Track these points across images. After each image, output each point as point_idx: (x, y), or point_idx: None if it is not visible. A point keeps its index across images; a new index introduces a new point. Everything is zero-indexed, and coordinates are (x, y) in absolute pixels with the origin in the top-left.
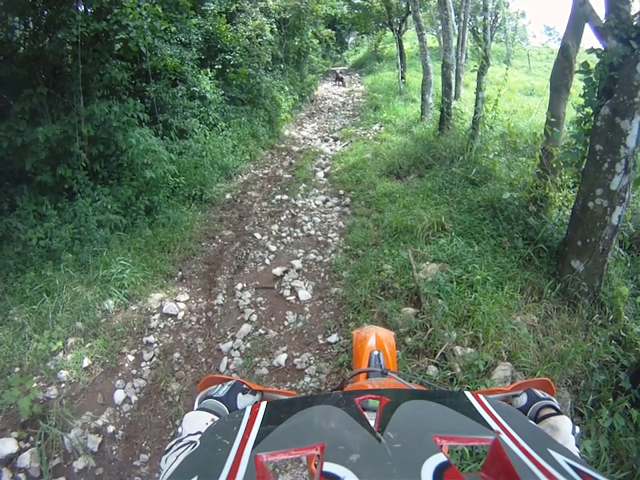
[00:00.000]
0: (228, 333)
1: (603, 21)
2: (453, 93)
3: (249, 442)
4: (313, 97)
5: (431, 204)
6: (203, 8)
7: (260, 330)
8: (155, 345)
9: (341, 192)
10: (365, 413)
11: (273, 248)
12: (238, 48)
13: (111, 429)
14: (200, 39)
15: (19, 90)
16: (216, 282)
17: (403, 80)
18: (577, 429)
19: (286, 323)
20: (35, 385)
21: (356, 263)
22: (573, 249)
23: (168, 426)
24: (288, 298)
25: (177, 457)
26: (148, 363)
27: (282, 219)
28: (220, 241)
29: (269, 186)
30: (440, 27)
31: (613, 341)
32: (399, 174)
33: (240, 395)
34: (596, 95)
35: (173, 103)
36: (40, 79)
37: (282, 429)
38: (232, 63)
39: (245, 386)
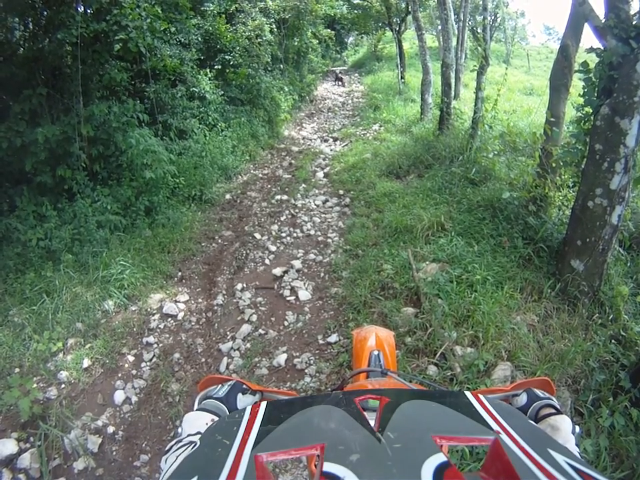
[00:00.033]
0: (228, 333)
1: (603, 21)
2: (453, 93)
3: (249, 442)
4: (313, 97)
5: (431, 204)
6: (202, 8)
7: (260, 330)
8: (155, 345)
9: (341, 192)
10: (365, 413)
11: (273, 248)
12: (237, 48)
13: (111, 429)
14: (199, 39)
15: (19, 91)
16: (216, 282)
17: (403, 80)
18: (577, 429)
19: (286, 323)
20: (35, 385)
21: (356, 263)
22: (573, 249)
23: (168, 426)
24: (288, 298)
25: (177, 458)
26: (148, 363)
27: (282, 219)
28: (220, 241)
29: (269, 186)
30: (439, 27)
31: (612, 340)
32: (398, 174)
33: (240, 395)
34: (595, 94)
35: (173, 103)
36: (39, 79)
37: (282, 429)
38: (231, 63)
39: (244, 386)
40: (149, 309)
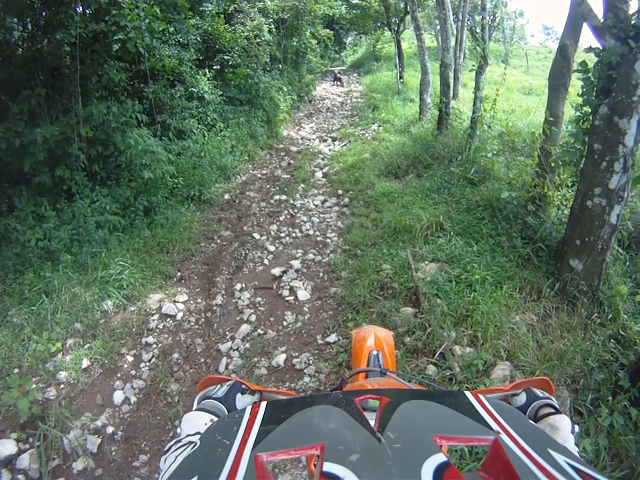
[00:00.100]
0: (227, 333)
1: (601, 20)
2: (451, 93)
3: (249, 442)
4: (311, 97)
5: (430, 204)
6: (201, 9)
7: (259, 330)
8: (154, 345)
9: (340, 192)
10: (364, 413)
11: (272, 248)
12: (236, 48)
13: (110, 429)
14: (198, 39)
15: (18, 91)
16: (215, 282)
17: (401, 80)
18: (576, 428)
19: (285, 323)
20: (34, 386)
21: (355, 263)
22: (572, 248)
23: (167, 426)
24: (287, 298)
25: (176, 458)
26: (147, 363)
27: (281, 219)
28: (219, 241)
29: (268, 186)
30: (438, 27)
31: (611, 340)
32: (397, 174)
33: (239, 395)
34: (594, 94)
35: (172, 103)
36: (38, 80)
37: (282, 429)
38: (230, 63)
39: (243, 386)
40: (148, 309)
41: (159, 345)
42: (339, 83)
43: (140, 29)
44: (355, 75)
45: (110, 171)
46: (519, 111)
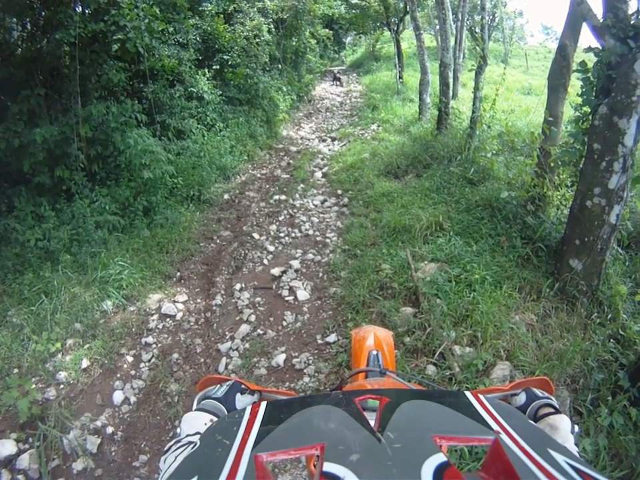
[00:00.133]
0: (226, 333)
1: (601, 20)
2: (451, 93)
3: (249, 442)
4: (311, 97)
5: (429, 203)
6: (200, 8)
7: (258, 330)
8: (154, 345)
9: (339, 192)
10: (364, 413)
11: (271, 248)
12: (236, 48)
13: (110, 430)
14: (197, 39)
15: (17, 91)
16: (214, 282)
17: (401, 80)
18: (576, 428)
19: (284, 323)
20: (33, 386)
21: (354, 263)
22: (571, 248)
23: (167, 427)
24: (286, 298)
25: (176, 458)
26: (147, 363)
27: (280, 219)
28: (218, 241)
29: (267, 186)
30: (437, 27)
31: (611, 340)
32: (397, 174)
33: (238, 395)
34: (594, 93)
35: (171, 103)
36: (37, 80)
37: (282, 429)
38: (230, 63)
39: (243, 386)
40: (147, 309)
41: (159, 345)
42: (338, 82)
43: (139, 28)
44: (355, 74)
45: (109, 171)
46: (519, 110)
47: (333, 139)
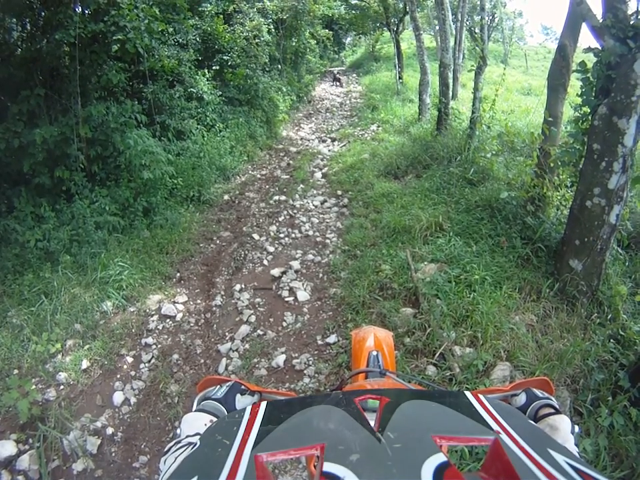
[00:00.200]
0: (226, 334)
1: (600, 20)
2: (451, 93)
3: (249, 442)
4: (311, 98)
5: (429, 204)
6: (200, 9)
7: (258, 331)
8: (154, 346)
9: (339, 192)
10: (364, 413)
11: (271, 249)
12: (235, 49)
13: (110, 430)
14: (197, 39)
15: (17, 91)
16: (214, 283)
17: (401, 80)
18: (576, 428)
19: (284, 324)
20: (33, 387)
21: (354, 264)
22: (571, 248)
23: (167, 427)
24: (286, 299)
25: (176, 459)
26: (147, 364)
27: (280, 219)
28: (218, 242)
29: (267, 187)
30: (437, 27)
31: (611, 340)
32: (396, 174)
33: (238, 396)
34: (593, 94)
35: (171, 104)
36: (37, 80)
37: (282, 429)
38: (229, 63)
39: (243, 387)
40: (147, 310)
41: (159, 346)
42: (338, 83)
43: (139, 29)
44: (354, 75)
45: (109, 172)
46: (518, 111)
47: (333, 140)
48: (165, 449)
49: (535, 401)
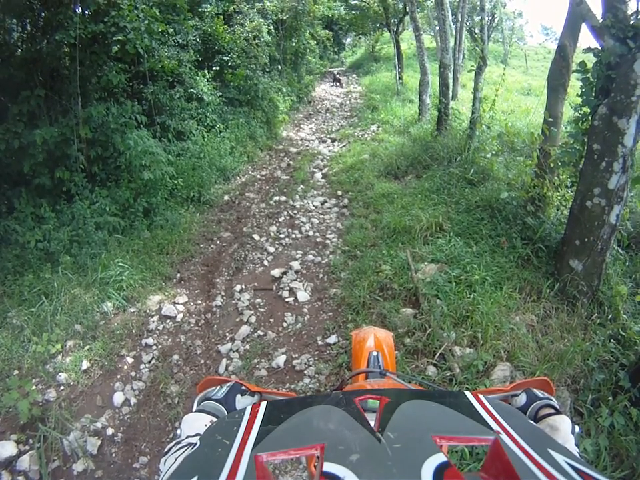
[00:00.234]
0: (227, 334)
1: (600, 21)
2: (451, 93)
3: (249, 442)
4: (311, 98)
5: (429, 204)
6: (200, 10)
7: (259, 331)
8: (154, 347)
9: (339, 193)
10: (364, 413)
11: (272, 249)
12: (235, 49)
13: (110, 431)
14: (197, 40)
15: (17, 92)
16: (214, 284)
17: (401, 80)
18: (577, 428)
19: (285, 325)
20: (33, 387)
21: (354, 264)
22: (572, 249)
23: (167, 428)
24: (286, 299)
25: (176, 459)
26: (147, 365)
27: (280, 220)
28: (218, 242)
29: (267, 187)
30: (437, 28)
31: (612, 340)
32: (396, 174)
33: (239, 396)
34: (593, 94)
35: (171, 104)
36: (37, 81)
37: (282, 429)
38: (229, 64)
39: (243, 387)
40: (147, 311)
41: (159, 347)
42: (338, 83)
43: (139, 30)
44: (354, 75)
45: (109, 172)
46: (518, 111)
47: (333, 140)
48: (165, 450)
49: (535, 401)
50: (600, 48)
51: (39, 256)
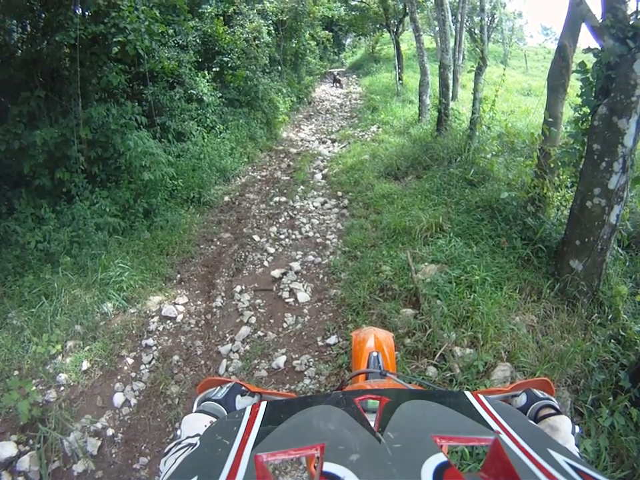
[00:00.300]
0: (227, 335)
1: (600, 21)
2: (451, 94)
3: (249, 442)
4: (311, 99)
5: (429, 205)
6: (200, 10)
7: (259, 332)
8: (154, 347)
9: (339, 193)
10: (364, 414)
11: (272, 250)
12: (235, 50)
13: (110, 432)
14: (197, 41)
15: (17, 93)
16: (214, 284)
17: (401, 81)
18: (577, 429)
19: (285, 325)
20: (34, 388)
21: (354, 265)
22: (572, 249)
23: (167, 429)
24: (287, 300)
25: (176, 460)
26: (147, 365)
27: (280, 221)
28: (218, 243)
29: (267, 188)
30: (437, 28)
31: (612, 340)
32: (396, 175)
33: (239, 397)
34: (593, 94)
35: (171, 105)
36: (38, 82)
37: (282, 429)
38: (229, 65)
39: (243, 388)
40: (147, 312)
41: (159, 347)
42: (338, 84)
43: (139, 31)
44: (354, 76)
45: (109, 173)
46: (518, 111)
47: (333, 141)
48: (165, 450)
49: (535, 401)
50: (600, 48)
51: (39, 257)
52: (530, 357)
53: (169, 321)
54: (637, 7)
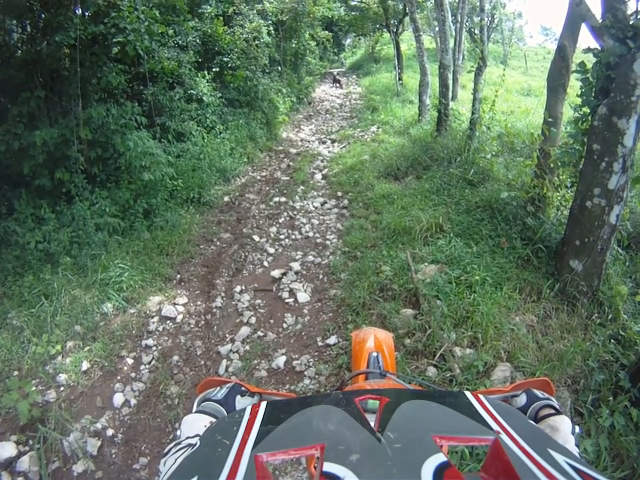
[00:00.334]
0: (227, 335)
1: (600, 21)
2: (450, 94)
3: (249, 442)
4: (311, 99)
5: (429, 205)
6: (200, 11)
7: (259, 332)
8: (154, 348)
9: (339, 194)
10: (364, 414)
11: (272, 250)
12: (235, 50)
13: (110, 432)
14: (197, 41)
15: (17, 93)
16: (214, 285)
17: (400, 81)
18: (577, 429)
19: (285, 325)
20: (33, 388)
21: (354, 265)
22: (572, 249)
23: (167, 429)
24: (286, 300)
25: (176, 460)
26: (147, 366)
27: (280, 221)
28: (218, 243)
29: (267, 188)
30: (437, 28)
31: (612, 340)
32: (396, 175)
33: (238, 397)
34: (593, 94)
35: (171, 105)
36: (37, 82)
37: (282, 429)
38: (229, 65)
39: (243, 388)
40: (147, 312)
41: (159, 348)
42: (338, 84)
43: (139, 31)
44: (354, 76)
45: (109, 173)
46: (518, 111)
47: (333, 141)
48: (165, 451)
49: (535, 401)
50: (599, 48)
51: (39, 257)
52: (530, 357)
53: (168, 321)
54: (637, 7)
